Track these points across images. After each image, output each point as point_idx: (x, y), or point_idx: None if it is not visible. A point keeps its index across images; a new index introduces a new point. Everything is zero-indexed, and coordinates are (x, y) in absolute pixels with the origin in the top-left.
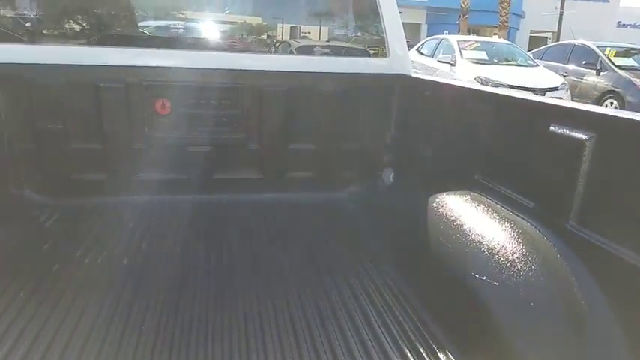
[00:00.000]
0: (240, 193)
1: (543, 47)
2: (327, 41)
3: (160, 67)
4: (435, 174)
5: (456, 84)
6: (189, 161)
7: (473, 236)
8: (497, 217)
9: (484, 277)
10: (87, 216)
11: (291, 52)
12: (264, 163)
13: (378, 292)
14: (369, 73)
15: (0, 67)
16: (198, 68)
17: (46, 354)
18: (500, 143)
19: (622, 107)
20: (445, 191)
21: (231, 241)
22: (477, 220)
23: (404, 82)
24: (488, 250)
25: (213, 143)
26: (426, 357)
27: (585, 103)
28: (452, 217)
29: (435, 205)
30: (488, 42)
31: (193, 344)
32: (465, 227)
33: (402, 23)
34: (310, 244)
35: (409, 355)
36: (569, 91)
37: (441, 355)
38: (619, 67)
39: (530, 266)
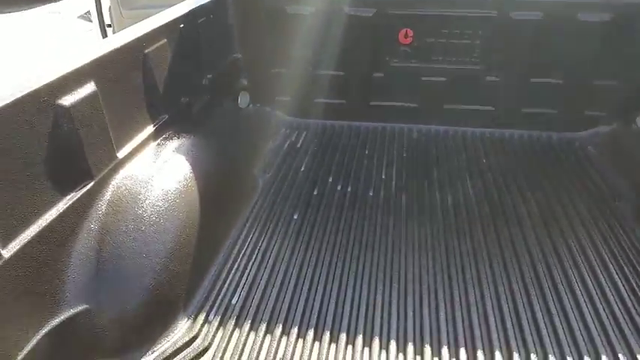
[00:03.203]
0: (469, 126)
1: None
2: None
3: None
4: None
5: None
6: (422, 90)
7: None
8: None
9: None
10: (324, 137)
11: None
12: (499, 96)
13: (624, 278)
14: None
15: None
16: None
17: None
18: None
19: None
20: None
21: (455, 175)
22: None
23: None
24: None
25: (448, 74)
26: None
27: None
28: None
29: None
30: None
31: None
32: None
33: None
34: (539, 190)
35: None
36: None
37: None
38: None
39: None
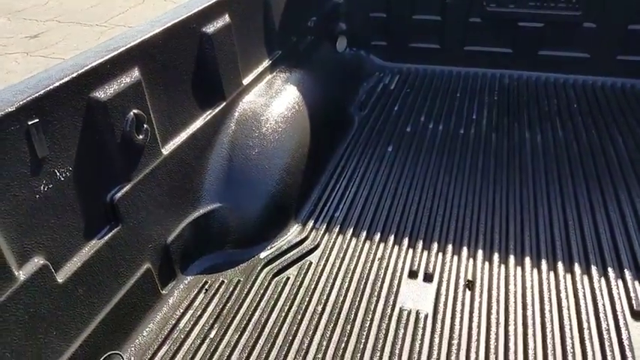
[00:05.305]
0: (563, 72)
1: None
2: None
3: None
4: None
5: None
6: (517, 36)
7: None
8: None
9: None
10: (417, 80)
11: None
12: (598, 43)
13: None
14: None
15: None
16: None
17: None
18: None
19: None
20: None
21: (545, 118)
22: None
23: None
24: None
25: (545, 19)
26: None
27: None
28: None
29: None
30: None
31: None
32: None
33: None
34: (630, 136)
35: None
36: None
37: None
38: None
39: None
